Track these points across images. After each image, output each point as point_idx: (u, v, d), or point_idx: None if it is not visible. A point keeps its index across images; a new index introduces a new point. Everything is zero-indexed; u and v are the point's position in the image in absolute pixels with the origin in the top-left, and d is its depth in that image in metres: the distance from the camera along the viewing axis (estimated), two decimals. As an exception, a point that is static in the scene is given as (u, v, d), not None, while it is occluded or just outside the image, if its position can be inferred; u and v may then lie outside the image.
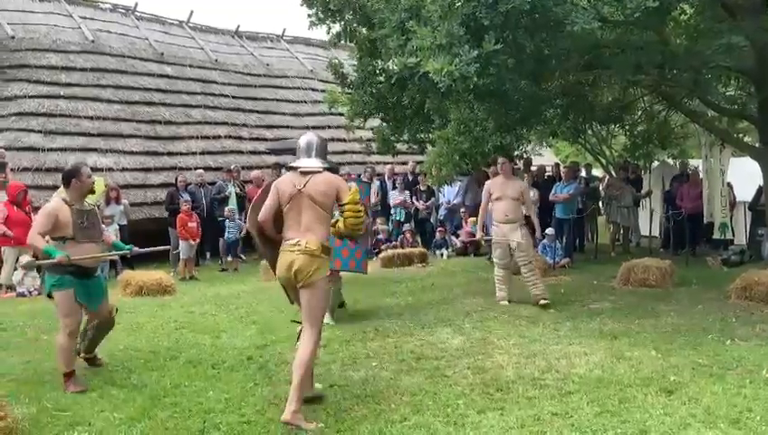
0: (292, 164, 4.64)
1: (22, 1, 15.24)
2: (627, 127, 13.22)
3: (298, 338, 4.51)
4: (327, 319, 6.10)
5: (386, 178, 14.20)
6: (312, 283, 4.34)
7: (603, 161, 15.68)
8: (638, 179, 13.38)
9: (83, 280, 5.07)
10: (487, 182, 8.26)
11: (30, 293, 9.42)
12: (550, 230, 10.93)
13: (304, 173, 4.48)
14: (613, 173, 14.49)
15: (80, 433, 3.57)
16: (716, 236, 11.49)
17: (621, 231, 12.83)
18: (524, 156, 13.26)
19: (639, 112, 13.20)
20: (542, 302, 7.47)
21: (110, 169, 12.85)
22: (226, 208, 12.27)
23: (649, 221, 13.08)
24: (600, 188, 13.98)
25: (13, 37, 13.90)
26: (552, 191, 11.80)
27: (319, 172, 4.49)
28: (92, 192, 5.43)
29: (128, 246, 5.68)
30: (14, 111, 12.92)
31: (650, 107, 12.89)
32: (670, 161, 15.18)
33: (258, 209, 4.55)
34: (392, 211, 13.51)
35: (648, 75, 8.53)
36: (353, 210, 4.35)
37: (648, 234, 13.04)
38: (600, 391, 4.60)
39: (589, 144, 15.56)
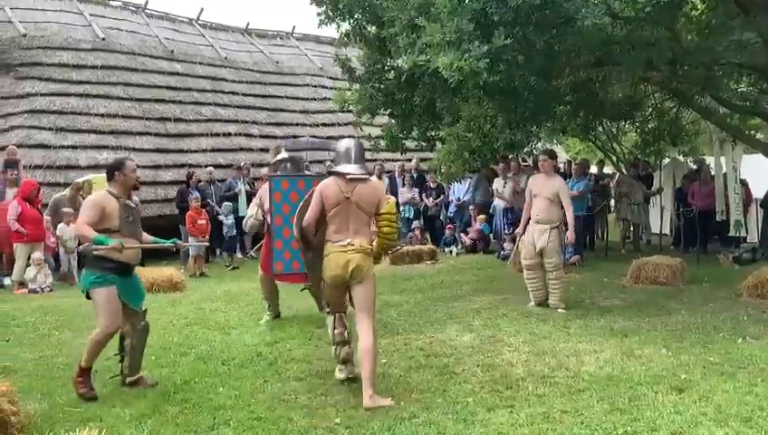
0: (336, 169, 4.79)
1: (33, -1, 15.34)
2: (637, 124, 13.15)
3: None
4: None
5: (396, 175, 14.21)
6: (368, 278, 4.67)
7: (614, 158, 15.62)
8: (648, 177, 13.32)
9: (124, 277, 4.86)
10: (530, 179, 8.01)
11: (42, 289, 9.49)
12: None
13: (351, 180, 4.67)
14: (624, 170, 14.43)
15: (91, 429, 3.58)
16: (732, 233, 11.41)
17: (632, 228, 12.78)
18: (533, 153, 13.22)
19: (650, 109, 13.13)
20: (560, 310, 7.25)
21: (121, 167, 12.90)
22: (222, 205, 12.29)
23: (660, 219, 13.01)
24: (611, 185, 13.92)
25: (25, 35, 13.98)
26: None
27: (364, 180, 4.73)
28: (136, 188, 5.36)
29: (171, 240, 5.38)
30: (26, 108, 13.00)
31: (661, 104, 12.82)
32: (681, 158, 15.09)
33: (304, 213, 4.74)
34: (401, 208, 13.52)
35: (658, 72, 8.48)
36: (389, 220, 4.75)
37: (658, 231, 12.97)
38: (611, 389, 4.58)
39: (599, 141, 15.50)
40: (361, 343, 4.58)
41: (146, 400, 4.60)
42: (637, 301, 7.69)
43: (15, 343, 6.31)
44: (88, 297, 4.84)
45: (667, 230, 13.28)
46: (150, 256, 11.39)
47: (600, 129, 14.17)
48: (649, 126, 12.98)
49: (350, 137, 5.60)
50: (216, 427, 4.11)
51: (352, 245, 4.61)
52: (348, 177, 4.66)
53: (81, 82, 13.97)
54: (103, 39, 15.14)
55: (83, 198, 10.12)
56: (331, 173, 4.89)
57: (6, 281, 10.01)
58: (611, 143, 15.55)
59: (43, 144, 12.47)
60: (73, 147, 12.76)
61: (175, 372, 5.23)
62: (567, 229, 7.51)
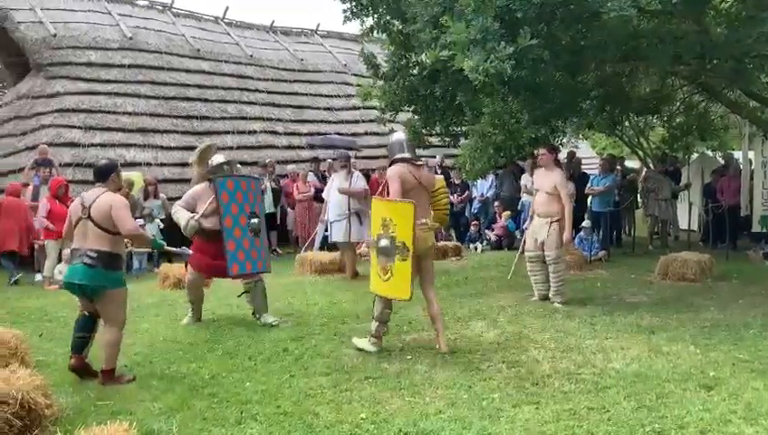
0: (402, 156, 5.57)
1: (63, 0, 15.56)
2: (665, 118, 13.01)
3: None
4: (271, 319, 6.71)
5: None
6: (432, 252, 5.82)
7: (641, 153, 15.45)
8: (676, 172, 13.15)
9: None
10: (534, 174, 8.04)
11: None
12: (586, 223, 10.83)
13: (417, 165, 5.57)
14: (651, 165, 14.26)
15: (121, 422, 3.65)
16: (756, 229, 11.23)
17: (659, 224, 12.64)
18: (560, 148, 13.12)
19: (678, 103, 12.97)
20: (556, 304, 7.25)
21: (149, 164, 13.08)
22: None
23: (688, 214, 12.85)
24: (638, 180, 13.78)
25: (55, 35, 14.19)
26: (589, 184, 11.69)
27: (422, 165, 5.73)
28: (120, 189, 5.53)
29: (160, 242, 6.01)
30: (55, 107, 13.22)
31: (689, 98, 12.66)
32: (710, 153, 14.89)
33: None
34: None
35: (686, 65, 8.37)
36: (444, 193, 5.89)
37: (686, 227, 12.81)
38: (638, 386, 4.55)
39: (626, 136, 15.34)
40: (434, 306, 5.58)
41: (174, 394, 4.67)
42: (664, 297, 7.61)
43: (48, 337, 6.43)
44: (85, 293, 4.99)
45: (695, 226, 13.11)
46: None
47: (627, 124, 14.03)
48: (677, 121, 12.84)
49: (398, 130, 6.36)
50: (243, 421, 4.16)
51: (426, 223, 5.34)
52: (416, 163, 5.55)
53: (109, 81, 14.15)
54: (131, 38, 15.31)
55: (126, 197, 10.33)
56: (400, 160, 5.54)
57: (38, 277, 10.21)
58: (638, 138, 15.38)
59: (72, 142, 12.66)
60: (102, 145, 12.93)
61: (203, 367, 5.30)
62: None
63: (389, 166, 5.64)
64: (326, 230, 11.80)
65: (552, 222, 7.32)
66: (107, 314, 5.02)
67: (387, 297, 5.52)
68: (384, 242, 5.35)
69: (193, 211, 6.62)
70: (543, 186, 7.43)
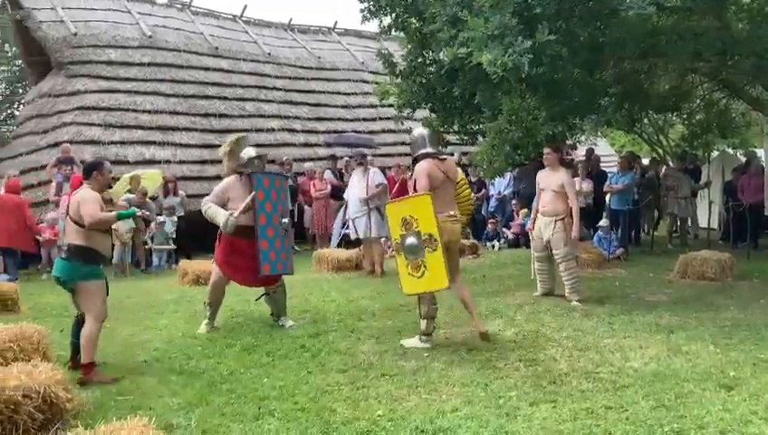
0: (428, 151, 5.75)
1: (83, -1, 15.74)
2: (685, 116, 12.87)
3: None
4: (289, 323, 6.57)
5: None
6: (459, 245, 6.29)
7: (660, 151, 15.31)
8: (696, 170, 13.02)
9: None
10: (538, 174, 8.10)
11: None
12: (604, 221, 10.76)
13: (442, 159, 5.78)
14: (670, 163, 14.13)
15: (141, 417, 3.69)
16: None
17: (679, 223, 12.52)
18: (577, 145, 13.04)
19: (698, 101, 12.82)
20: (574, 303, 7.22)
21: (168, 162, 13.20)
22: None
23: (708, 213, 12.72)
24: (657, 171, 13.65)
25: (75, 34, 14.35)
26: (607, 182, 11.62)
27: (446, 159, 5.89)
28: (110, 187, 5.59)
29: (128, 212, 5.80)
30: (76, 105, 13.37)
31: (709, 95, 12.51)
32: (731, 151, 14.71)
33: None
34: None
35: (707, 62, 8.29)
36: (466, 184, 6.17)
37: (706, 226, 12.68)
38: (656, 386, 4.52)
39: (645, 134, 15.21)
40: (465, 291, 5.89)
41: (193, 389, 4.72)
42: (683, 296, 7.55)
43: (69, 333, 6.49)
44: (64, 286, 5.09)
45: (715, 225, 12.97)
46: (197, 249, 11.65)
47: (646, 121, 13.90)
48: (697, 118, 12.68)
49: (420, 126, 6.52)
50: (260, 417, 4.19)
51: (454, 216, 5.67)
52: (441, 157, 5.76)
53: (128, 79, 14.29)
54: (150, 37, 15.45)
55: (132, 193, 10.43)
56: (424, 156, 5.71)
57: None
58: (657, 136, 15.24)
59: (92, 140, 12.81)
60: (122, 142, 13.08)
61: (221, 363, 5.34)
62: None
63: (414, 162, 5.84)
64: (344, 227, 11.86)
65: (557, 220, 7.36)
66: (84, 306, 5.13)
67: (426, 292, 5.57)
68: (410, 240, 5.40)
69: (224, 205, 6.35)
70: (550, 185, 7.45)
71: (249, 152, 6.56)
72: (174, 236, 11.57)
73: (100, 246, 5.10)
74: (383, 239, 9.78)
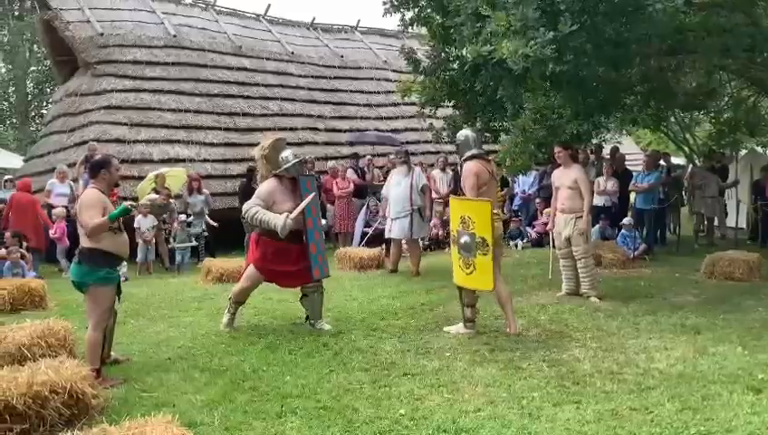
0: (473, 152, 6.10)
1: (110, -1, 15.94)
2: (712, 114, 12.68)
3: None
4: (326, 326, 6.40)
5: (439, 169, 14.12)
6: (501, 241, 6.59)
7: (686, 150, 15.10)
8: (723, 168, 12.82)
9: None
10: (553, 172, 8.09)
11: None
12: (627, 220, 10.65)
13: (488, 160, 6.19)
14: (697, 162, 13.94)
15: (165, 414, 3.73)
16: None
17: (705, 222, 12.34)
18: (596, 144, 12.88)
19: (726, 98, 12.63)
20: (593, 299, 7.28)
21: (192, 160, 13.30)
22: None
23: (736, 212, 12.52)
24: (684, 177, 13.47)
25: (102, 34, 14.51)
26: (633, 181, 11.49)
27: (490, 160, 6.34)
28: (117, 185, 5.46)
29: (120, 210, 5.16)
30: (102, 104, 13.53)
31: (738, 92, 12.31)
32: (759, 150, 14.47)
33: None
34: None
35: (735, 59, 8.15)
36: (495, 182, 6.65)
37: (734, 225, 12.49)
38: (682, 388, 4.46)
39: (671, 132, 15.01)
40: (505, 288, 6.14)
41: (216, 387, 4.74)
42: (710, 297, 7.44)
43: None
44: (81, 290, 4.97)
45: (743, 224, 12.77)
46: (220, 248, 11.74)
47: (673, 119, 13.72)
48: (725, 116, 12.49)
49: (466, 127, 7.85)
50: (283, 415, 4.20)
51: (497, 214, 6.02)
52: (486, 157, 6.16)
53: (153, 79, 14.42)
54: (174, 36, 15.58)
55: (156, 192, 10.51)
56: (471, 157, 6.07)
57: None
58: (684, 134, 15.04)
59: (118, 139, 12.94)
60: (146, 141, 13.19)
61: (244, 361, 5.37)
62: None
63: (463, 161, 6.17)
64: (366, 226, 11.87)
65: (576, 217, 7.43)
66: (87, 311, 5.01)
67: (471, 289, 5.98)
68: (465, 238, 5.78)
69: (268, 209, 6.13)
70: (565, 182, 7.56)
71: (288, 155, 6.34)
72: (206, 233, 11.66)
73: (111, 247, 4.92)
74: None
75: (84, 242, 4.90)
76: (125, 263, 9.97)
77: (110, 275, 4.96)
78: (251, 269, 6.36)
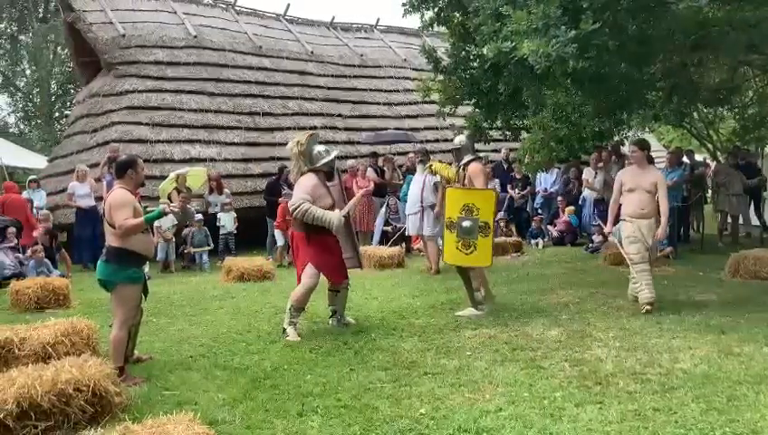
0: (477, 156, 6.95)
1: (131, 0, 16.07)
2: (736, 110, 12.50)
3: None
4: (352, 319, 6.60)
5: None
6: None
7: (710, 146, 14.91)
8: (749, 165, 12.63)
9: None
10: (619, 172, 7.51)
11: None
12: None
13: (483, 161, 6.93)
14: (721, 159, 13.75)
15: (187, 411, 3.75)
16: None
17: (730, 220, 12.17)
18: (625, 141, 12.77)
19: (750, 94, 12.44)
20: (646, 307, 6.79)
21: (213, 160, 13.39)
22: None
23: (761, 210, 12.33)
24: (707, 174, 13.30)
25: (124, 35, 14.67)
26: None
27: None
28: (143, 185, 5.47)
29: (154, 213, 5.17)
30: (125, 105, 13.68)
31: (763, 88, 12.13)
32: (786, 146, 14.23)
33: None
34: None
35: (761, 54, 8.02)
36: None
37: (759, 224, 12.30)
38: (707, 388, 4.39)
39: (694, 128, 14.83)
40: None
41: (237, 385, 4.76)
42: (735, 296, 7.33)
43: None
44: (107, 288, 5.00)
45: (769, 222, 12.57)
46: (241, 247, 11.80)
47: (696, 115, 13.55)
48: (749, 112, 12.31)
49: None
50: (304, 413, 4.20)
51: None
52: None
53: (174, 79, 14.55)
54: (195, 36, 15.69)
55: (178, 191, 10.59)
56: (476, 159, 6.95)
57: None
58: (708, 130, 14.84)
59: (140, 139, 13.08)
60: (168, 141, 13.32)
61: (265, 359, 5.39)
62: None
63: (468, 163, 6.91)
64: (386, 225, 11.89)
65: (656, 222, 6.83)
66: (113, 309, 5.04)
67: (468, 266, 6.71)
68: (468, 223, 6.56)
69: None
70: (642, 184, 6.84)
71: (322, 150, 6.33)
72: (235, 231, 11.73)
73: (138, 247, 4.97)
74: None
75: (112, 241, 4.93)
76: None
77: (136, 275, 5.02)
78: (310, 268, 6.18)
